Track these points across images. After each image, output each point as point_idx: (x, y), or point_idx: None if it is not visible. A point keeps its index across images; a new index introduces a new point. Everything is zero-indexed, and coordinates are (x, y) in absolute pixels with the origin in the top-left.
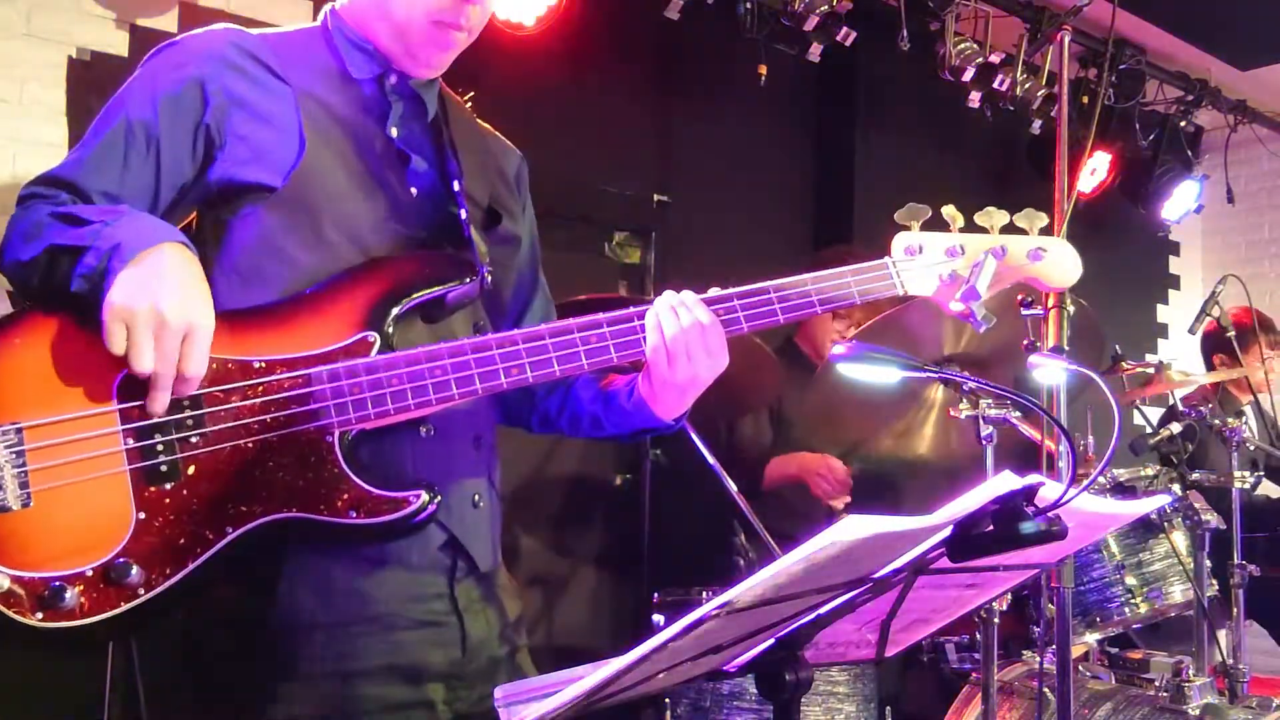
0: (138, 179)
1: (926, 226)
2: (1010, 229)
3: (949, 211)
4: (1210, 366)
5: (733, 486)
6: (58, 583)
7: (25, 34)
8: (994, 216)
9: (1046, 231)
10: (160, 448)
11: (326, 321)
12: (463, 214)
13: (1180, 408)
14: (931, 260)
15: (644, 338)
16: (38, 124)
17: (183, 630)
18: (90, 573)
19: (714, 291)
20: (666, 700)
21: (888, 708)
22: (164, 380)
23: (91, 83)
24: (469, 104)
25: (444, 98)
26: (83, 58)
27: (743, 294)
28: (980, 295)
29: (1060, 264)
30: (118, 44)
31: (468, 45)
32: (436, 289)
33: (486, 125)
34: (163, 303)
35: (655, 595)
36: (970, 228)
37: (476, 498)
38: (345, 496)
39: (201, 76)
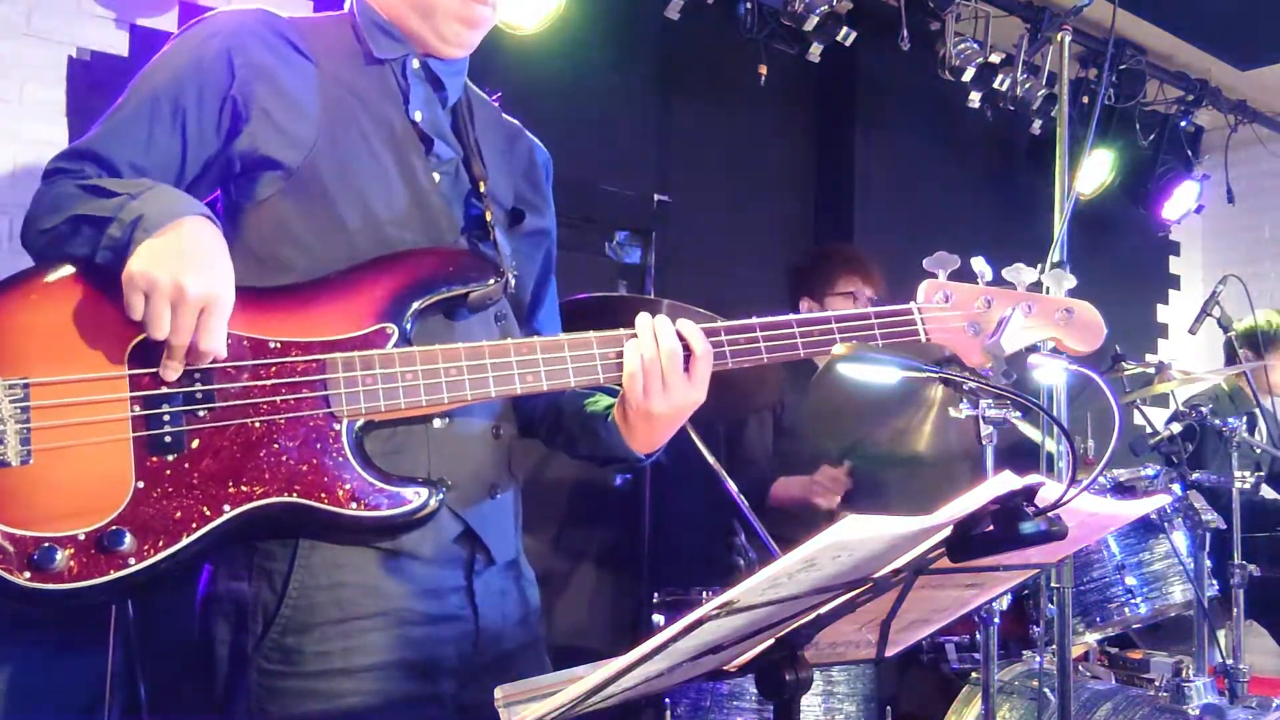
0: (164, 151)
1: (954, 276)
2: (1036, 286)
3: (978, 264)
4: (1233, 363)
5: (733, 486)
6: (48, 544)
7: (25, 34)
8: (1022, 273)
9: (1074, 289)
10: (167, 418)
11: (346, 309)
12: (489, 215)
13: (1181, 408)
14: (958, 311)
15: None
16: (38, 124)
17: (190, 624)
18: (82, 537)
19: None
20: (666, 700)
21: (888, 707)
22: (178, 351)
23: (91, 83)
24: (497, 103)
25: (470, 93)
26: (83, 58)
27: (765, 324)
28: (1004, 351)
29: (1085, 327)
30: (118, 44)
31: (493, 24)
32: (459, 288)
33: (514, 121)
34: (184, 275)
35: (655, 595)
36: (998, 282)
37: (494, 489)
38: (347, 487)
39: (229, 49)
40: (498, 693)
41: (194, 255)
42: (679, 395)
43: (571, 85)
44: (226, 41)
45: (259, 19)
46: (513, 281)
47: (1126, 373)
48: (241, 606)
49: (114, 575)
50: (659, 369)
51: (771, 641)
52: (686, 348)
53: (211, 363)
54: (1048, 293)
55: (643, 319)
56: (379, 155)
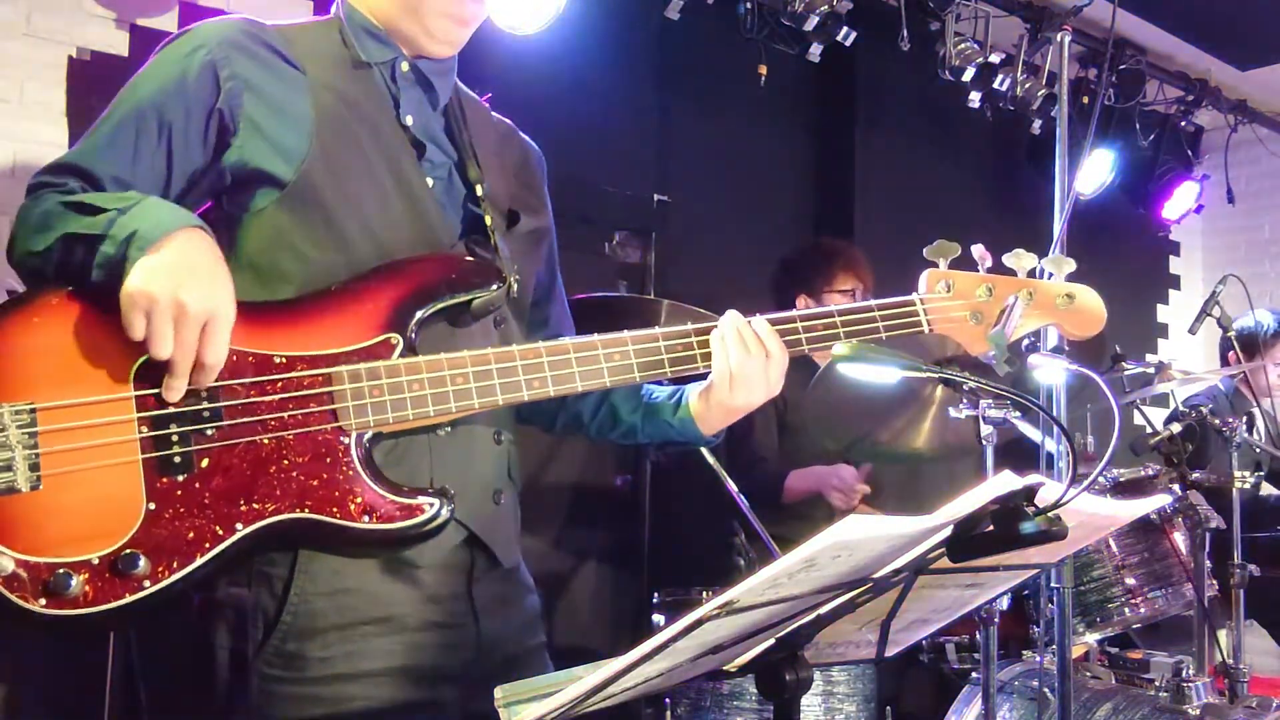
0: (149, 165)
1: (955, 265)
2: (1037, 272)
3: (978, 251)
4: (1225, 363)
5: (733, 486)
6: (63, 570)
7: (25, 34)
8: (1023, 259)
9: (1074, 274)
10: (175, 438)
11: (349, 320)
12: (489, 219)
13: (1181, 408)
14: (960, 300)
15: (667, 358)
16: (38, 124)
17: (190, 629)
18: (96, 561)
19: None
20: (666, 700)
21: (888, 707)
22: (181, 368)
23: (91, 83)
24: (487, 104)
25: (461, 96)
26: (83, 58)
27: (770, 320)
28: (1007, 338)
29: (1087, 312)
30: (118, 44)
31: (481, 20)
32: (462, 295)
33: (506, 120)
34: (184, 291)
35: (655, 595)
36: (997, 268)
37: (497, 494)
38: (359, 500)
39: (214, 61)
40: (498, 693)
41: (192, 270)
42: (761, 394)
43: (571, 85)
44: (211, 54)
45: (243, 29)
46: (515, 287)
47: (1126, 373)
48: (241, 612)
49: (130, 599)
50: (749, 372)
51: (771, 641)
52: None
53: (218, 380)
54: (1049, 278)
55: (732, 325)
56: (372, 163)
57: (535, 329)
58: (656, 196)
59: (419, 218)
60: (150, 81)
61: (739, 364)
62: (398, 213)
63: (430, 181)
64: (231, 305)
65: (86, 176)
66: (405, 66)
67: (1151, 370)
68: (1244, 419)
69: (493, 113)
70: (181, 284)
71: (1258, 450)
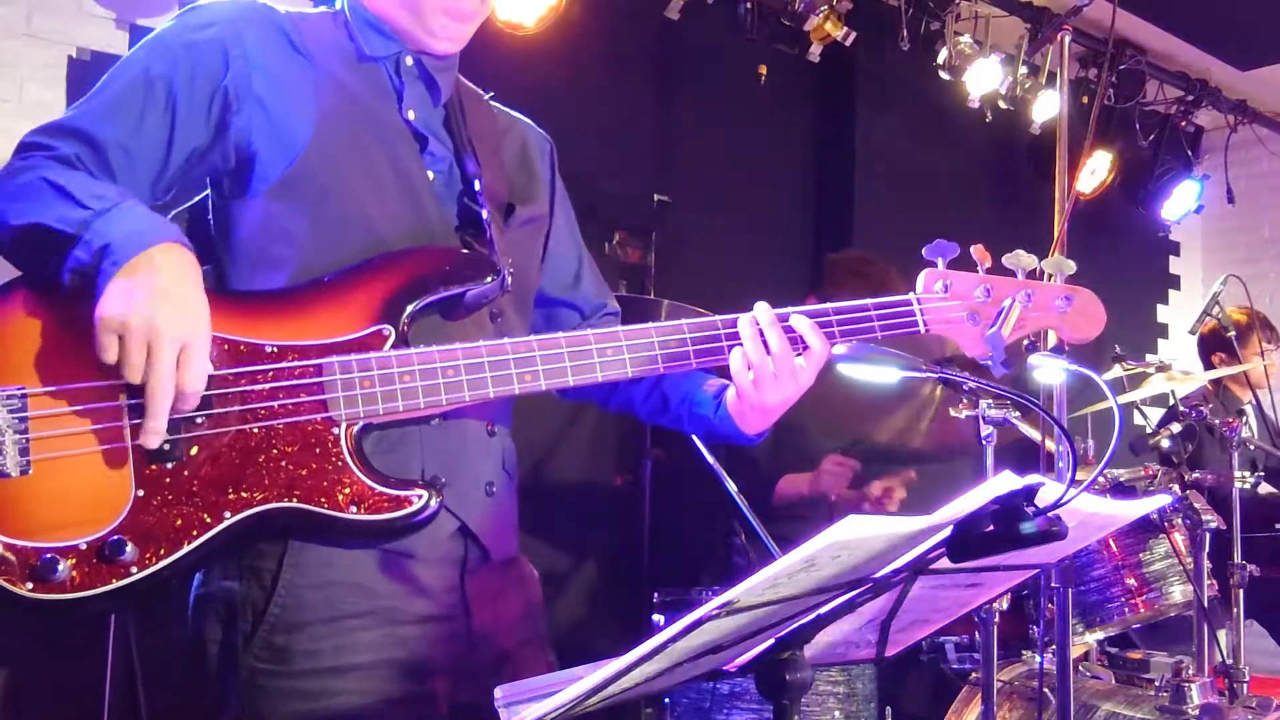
0: (151, 134)
1: (953, 265)
2: (1036, 274)
3: (978, 251)
4: (1209, 366)
5: (733, 486)
6: (50, 554)
7: (25, 34)
8: (1022, 259)
9: (1073, 275)
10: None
11: (342, 311)
12: (484, 214)
13: (1181, 408)
14: (957, 300)
15: (660, 354)
16: (37, 124)
17: (184, 624)
18: (84, 547)
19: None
20: (666, 700)
21: (888, 708)
22: (162, 398)
23: (91, 83)
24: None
25: (461, 91)
26: (82, 58)
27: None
28: (1004, 339)
29: (1086, 314)
30: (118, 44)
31: (484, 17)
32: (455, 288)
33: (509, 111)
34: (157, 316)
35: (655, 595)
36: (996, 268)
37: (490, 485)
38: (347, 491)
39: (224, 39)
40: (497, 692)
41: (166, 293)
42: (791, 388)
43: (571, 85)
44: (223, 32)
45: (257, 11)
46: (509, 279)
47: (1126, 373)
48: (231, 605)
49: (116, 584)
50: (769, 369)
51: (771, 641)
52: (803, 342)
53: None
54: (1049, 280)
55: (746, 324)
56: (371, 156)
57: (574, 308)
58: (656, 196)
59: (417, 211)
60: (160, 51)
61: (758, 361)
62: (396, 204)
63: (431, 175)
64: (207, 329)
65: (89, 139)
66: (409, 60)
67: (1151, 370)
68: (1240, 417)
69: (495, 105)
70: (155, 309)
71: (1252, 448)
